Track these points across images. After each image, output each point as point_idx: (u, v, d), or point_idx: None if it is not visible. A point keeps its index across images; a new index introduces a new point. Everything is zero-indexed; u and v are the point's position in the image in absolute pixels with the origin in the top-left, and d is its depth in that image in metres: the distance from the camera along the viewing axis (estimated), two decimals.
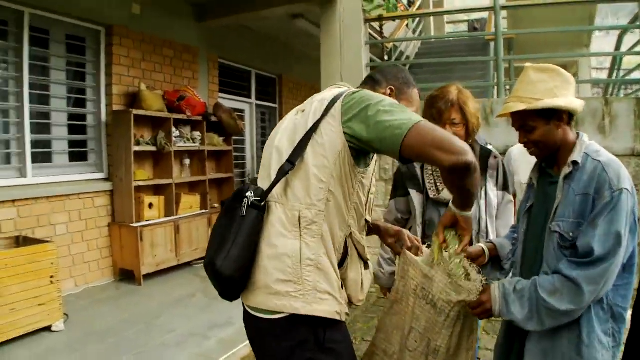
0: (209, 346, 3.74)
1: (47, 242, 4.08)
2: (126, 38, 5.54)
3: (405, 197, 2.47)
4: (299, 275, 1.42)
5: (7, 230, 4.35)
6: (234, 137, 7.28)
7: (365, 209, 1.56)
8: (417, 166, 2.43)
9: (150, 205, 5.53)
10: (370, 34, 6.18)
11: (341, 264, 1.53)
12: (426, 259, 1.76)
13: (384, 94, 1.65)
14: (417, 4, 9.26)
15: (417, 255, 1.79)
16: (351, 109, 1.44)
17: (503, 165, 2.45)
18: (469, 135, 2.27)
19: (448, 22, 13.22)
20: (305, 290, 1.42)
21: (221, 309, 4.28)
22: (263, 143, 9.01)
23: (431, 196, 2.36)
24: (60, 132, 5.08)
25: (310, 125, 1.50)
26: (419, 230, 2.39)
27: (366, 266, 1.63)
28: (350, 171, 1.47)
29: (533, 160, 3.13)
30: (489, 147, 2.49)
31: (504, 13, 9.19)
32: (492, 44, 6.86)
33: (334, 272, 1.48)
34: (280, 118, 9.13)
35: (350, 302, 1.59)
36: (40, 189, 4.67)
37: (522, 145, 3.15)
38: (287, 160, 1.49)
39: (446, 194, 2.31)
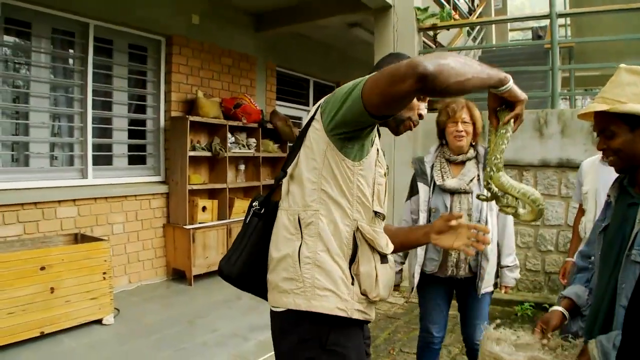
0: (247, 348, 3.82)
1: (102, 240, 4.31)
2: (185, 47, 5.78)
3: (417, 196, 2.75)
4: (299, 273, 1.47)
5: (67, 228, 4.64)
6: (289, 144, 7.39)
7: (372, 200, 1.53)
8: (428, 166, 2.75)
9: (204, 209, 5.71)
10: (424, 42, 6.11)
11: (353, 259, 1.51)
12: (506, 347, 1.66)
13: None
14: (478, 12, 9.08)
15: None
16: (328, 106, 1.47)
17: None
18: (476, 135, 2.70)
19: (512, 30, 12.84)
20: (305, 287, 1.46)
21: (263, 311, 4.30)
22: None
23: (437, 183, 2.66)
24: (120, 137, 5.37)
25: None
26: (423, 217, 2.69)
27: (383, 260, 1.54)
28: (341, 166, 1.47)
29: (600, 169, 3.05)
30: None
31: (567, 21, 8.87)
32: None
33: (337, 268, 1.47)
34: None
35: (371, 300, 1.52)
36: (99, 190, 4.95)
37: (594, 157, 3.09)
38: (281, 169, 1.59)
39: (450, 182, 2.63)
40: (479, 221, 2.59)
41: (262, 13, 6.66)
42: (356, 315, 1.48)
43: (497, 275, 2.77)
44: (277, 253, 1.53)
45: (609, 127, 1.48)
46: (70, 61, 4.93)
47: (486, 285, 2.67)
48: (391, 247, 1.60)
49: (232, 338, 4.01)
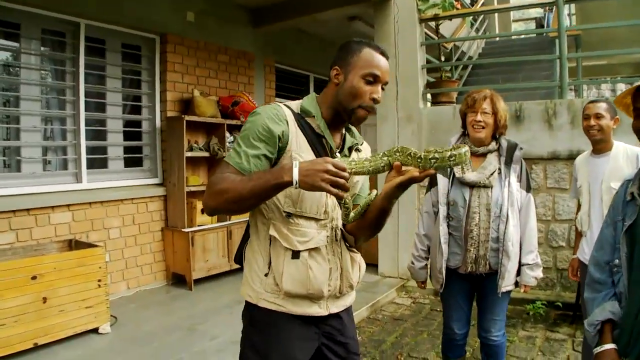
0: None
1: (96, 246, 4.16)
2: (180, 45, 5.62)
3: (437, 187, 2.70)
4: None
5: (62, 234, 4.50)
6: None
7: (284, 202, 1.60)
8: None
9: (203, 211, 5.55)
10: (426, 34, 5.94)
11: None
12: None
13: (332, 78, 1.67)
14: (480, 2, 8.87)
15: None
16: None
17: (525, 164, 2.69)
18: (497, 127, 2.60)
19: (515, 21, 12.59)
20: (244, 277, 1.74)
21: None
22: None
23: (456, 175, 2.59)
24: (115, 139, 5.22)
25: None
26: (443, 210, 2.63)
27: (294, 256, 1.59)
28: None
29: (590, 162, 2.98)
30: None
31: (572, 9, 8.67)
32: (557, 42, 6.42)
33: (254, 262, 1.68)
34: None
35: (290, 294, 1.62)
36: (94, 194, 4.80)
37: (586, 152, 3.03)
38: None
39: (470, 176, 2.55)
40: (498, 217, 2.53)
41: (259, 8, 6.49)
42: (263, 304, 1.64)
43: (518, 273, 2.68)
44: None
45: None
46: (62, 62, 4.77)
47: (507, 284, 2.60)
48: (313, 244, 1.61)
49: (232, 345, 3.85)
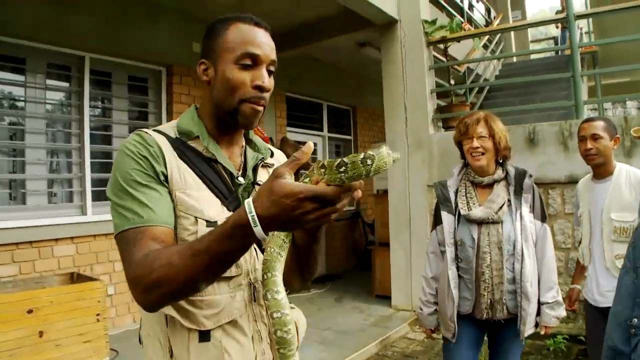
0: None
1: (95, 280, 4.11)
2: (186, 76, 5.65)
3: (442, 225, 2.43)
4: None
5: (66, 266, 4.47)
6: (301, 172, 7.14)
7: None
8: (452, 190, 2.43)
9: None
10: (435, 57, 5.84)
11: None
12: None
13: (201, 77, 1.21)
14: (495, 23, 8.75)
15: None
16: None
17: (538, 191, 2.40)
18: (497, 150, 2.34)
19: (534, 41, 12.36)
20: None
21: None
22: None
23: (462, 213, 2.33)
24: None
25: None
26: (451, 251, 2.35)
27: (203, 338, 1.11)
28: None
29: (592, 188, 2.68)
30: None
31: (590, 26, 8.44)
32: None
33: (150, 349, 1.17)
34: (356, 150, 9.03)
35: None
36: (99, 226, 4.77)
37: (588, 176, 2.75)
38: None
39: (477, 212, 2.29)
40: (512, 255, 2.26)
41: None
42: None
43: (537, 313, 2.36)
44: None
45: None
46: (67, 95, 4.84)
47: (528, 327, 2.30)
48: (226, 316, 1.12)
49: None
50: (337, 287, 7.04)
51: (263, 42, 1.17)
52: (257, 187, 1.23)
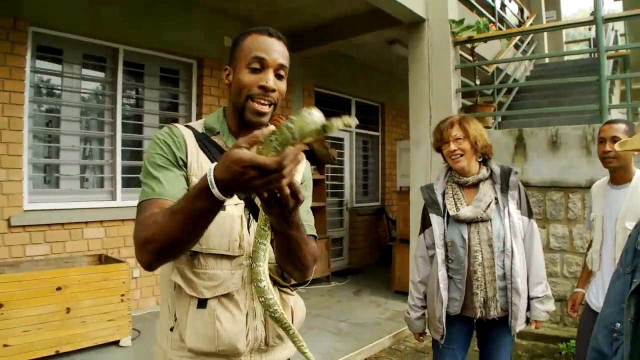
0: None
1: (121, 262, 4.31)
2: (217, 69, 5.80)
3: (431, 228, 2.45)
4: None
5: (94, 248, 4.71)
6: (331, 166, 7.25)
7: None
8: (439, 193, 2.47)
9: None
10: (462, 56, 5.83)
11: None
12: None
13: (224, 78, 1.40)
14: (528, 24, 8.62)
15: None
16: None
17: (523, 188, 2.47)
18: (476, 150, 2.38)
19: (569, 42, 12.08)
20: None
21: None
22: (364, 172, 8.95)
23: (451, 214, 2.37)
24: None
25: None
26: (441, 252, 2.38)
27: (200, 305, 1.30)
28: None
29: (608, 193, 2.66)
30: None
31: (623, 28, 8.21)
32: (609, 62, 6.12)
33: (161, 313, 1.43)
34: (384, 146, 9.04)
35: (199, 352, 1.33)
36: (128, 212, 4.98)
37: (605, 179, 2.71)
38: None
39: (465, 212, 2.33)
40: (502, 251, 2.31)
41: (295, 33, 6.61)
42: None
43: (527, 308, 2.42)
44: None
45: None
46: (101, 85, 5.07)
47: (519, 323, 2.35)
48: (223, 289, 1.31)
49: None
50: (358, 281, 7.16)
51: (272, 49, 1.32)
52: None
